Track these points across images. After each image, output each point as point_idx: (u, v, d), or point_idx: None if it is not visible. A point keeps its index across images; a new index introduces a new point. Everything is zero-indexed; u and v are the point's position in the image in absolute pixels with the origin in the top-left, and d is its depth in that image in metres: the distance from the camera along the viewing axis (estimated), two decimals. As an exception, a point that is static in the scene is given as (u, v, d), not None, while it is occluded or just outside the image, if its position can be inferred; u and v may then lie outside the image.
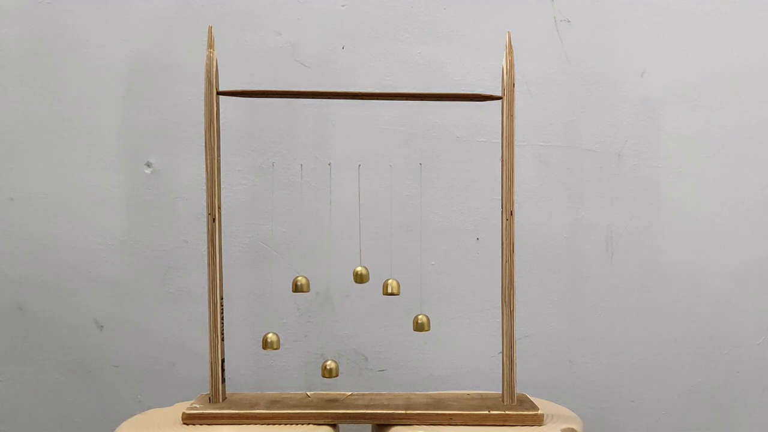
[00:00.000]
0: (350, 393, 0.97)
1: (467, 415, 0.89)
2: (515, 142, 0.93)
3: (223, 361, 0.93)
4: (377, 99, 1.04)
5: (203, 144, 0.92)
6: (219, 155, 0.93)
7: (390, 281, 0.95)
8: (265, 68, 1.18)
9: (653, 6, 1.20)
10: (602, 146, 1.21)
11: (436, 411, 0.89)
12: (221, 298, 0.93)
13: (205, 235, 0.94)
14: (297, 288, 0.95)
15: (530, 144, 1.20)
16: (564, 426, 0.88)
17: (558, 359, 1.22)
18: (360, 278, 0.94)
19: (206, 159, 0.92)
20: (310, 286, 0.96)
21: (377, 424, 0.91)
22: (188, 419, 0.89)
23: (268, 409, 0.90)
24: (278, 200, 1.15)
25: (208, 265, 0.92)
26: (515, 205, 0.93)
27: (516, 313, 0.94)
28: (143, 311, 1.18)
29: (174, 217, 1.18)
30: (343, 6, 1.18)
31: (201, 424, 0.88)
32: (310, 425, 0.88)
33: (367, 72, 1.18)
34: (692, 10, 1.20)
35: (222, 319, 0.93)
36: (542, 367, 1.21)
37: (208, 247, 0.92)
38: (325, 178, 1.14)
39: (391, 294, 0.94)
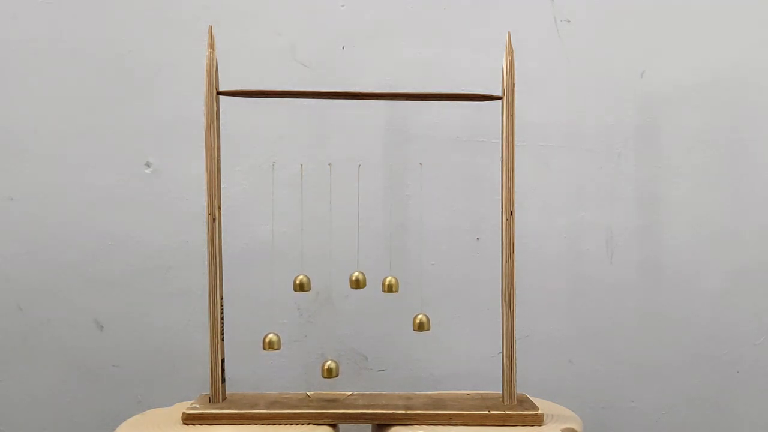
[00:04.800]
0: (350, 393, 0.97)
1: (467, 415, 0.89)
2: (515, 142, 0.93)
3: (223, 361, 0.93)
4: (377, 99, 1.04)
5: (203, 144, 0.92)
6: (219, 155, 0.93)
7: (388, 278, 0.95)
8: (265, 68, 1.18)
9: (653, 6, 1.20)
10: (602, 146, 1.21)
11: (436, 411, 0.89)
12: (221, 298, 0.93)
13: (205, 235, 0.94)
14: (298, 287, 0.95)
15: (530, 144, 1.20)
16: (564, 426, 0.88)
17: (558, 359, 1.22)
18: (356, 284, 0.94)
19: (206, 159, 0.92)
20: (311, 286, 0.96)
21: (377, 424, 0.91)
22: (188, 419, 0.89)
23: (268, 409, 0.90)
24: (278, 200, 1.15)
25: (208, 265, 0.92)
26: (515, 205, 0.93)
27: (516, 313, 0.94)
28: (143, 311, 1.18)
29: (174, 217, 1.18)
30: (343, 6, 1.18)
31: (201, 424, 0.88)
32: (310, 425, 0.88)
33: (367, 72, 1.18)
34: (692, 10, 1.20)
35: (222, 319, 0.93)
36: (542, 367, 1.21)
37: (208, 247, 0.92)
38: (325, 178, 1.14)
39: (390, 291, 0.94)
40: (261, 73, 1.17)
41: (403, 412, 0.89)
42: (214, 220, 0.92)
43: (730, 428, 1.23)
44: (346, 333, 1.20)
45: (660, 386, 1.23)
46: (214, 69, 0.91)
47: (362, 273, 0.94)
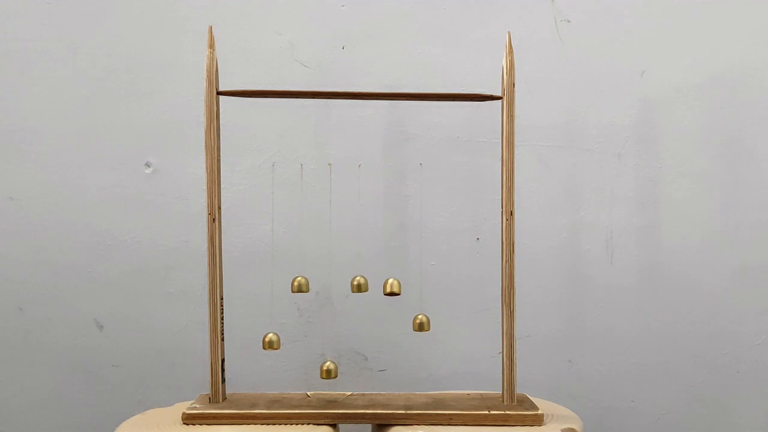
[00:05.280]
0: (350, 393, 0.97)
1: (467, 415, 0.89)
2: (515, 142, 0.93)
3: (223, 361, 0.93)
4: (377, 99, 1.04)
5: (203, 144, 0.92)
6: (219, 155, 0.93)
7: (391, 280, 0.95)
8: (265, 68, 1.18)
9: (653, 5, 1.20)
10: (602, 146, 1.21)
11: (436, 411, 0.89)
12: (221, 298, 0.93)
13: (205, 235, 0.94)
14: (297, 288, 0.95)
15: (530, 144, 1.20)
16: (564, 426, 0.88)
17: (558, 359, 1.22)
18: (359, 288, 0.94)
19: (206, 159, 0.92)
20: (310, 286, 0.96)
21: (377, 424, 0.91)
22: (188, 419, 0.89)
23: (268, 409, 0.90)
24: (278, 200, 1.15)
25: (208, 265, 0.92)
26: (515, 205, 0.93)
27: (516, 313, 0.94)
28: (143, 311, 1.18)
29: (174, 217, 1.18)
30: (343, 6, 1.18)
31: (201, 424, 0.88)
32: (310, 425, 0.88)
33: (367, 72, 1.18)
34: (692, 9, 1.20)
35: (222, 319, 0.93)
36: (542, 367, 1.21)
37: (208, 247, 0.92)
38: (325, 178, 1.14)
39: (392, 293, 0.94)
40: (261, 73, 1.17)
41: (403, 412, 0.89)
42: (214, 220, 0.92)
43: (730, 428, 1.23)
44: (346, 333, 1.20)
45: (660, 386, 1.23)
46: (214, 69, 0.91)
47: (364, 277, 0.94)
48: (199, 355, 1.16)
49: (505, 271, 0.93)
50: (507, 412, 0.89)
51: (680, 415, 1.23)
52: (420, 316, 0.96)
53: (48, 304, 1.18)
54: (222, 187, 0.95)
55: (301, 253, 1.15)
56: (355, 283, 0.94)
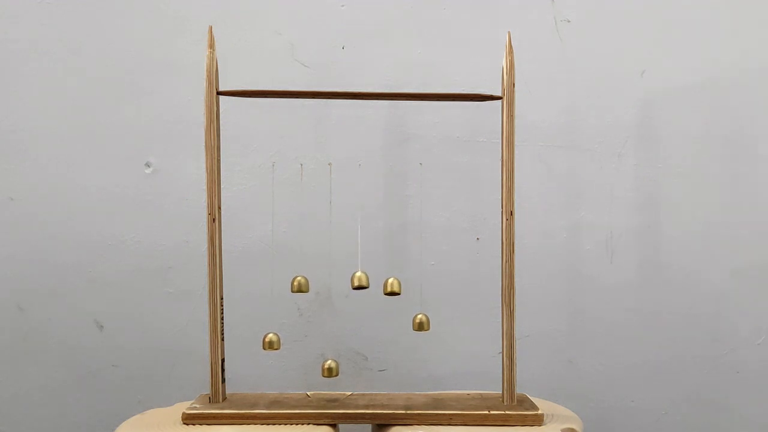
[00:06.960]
0: (350, 393, 0.97)
1: (467, 415, 0.89)
2: (515, 142, 0.93)
3: (223, 361, 0.93)
4: (377, 99, 1.04)
5: (203, 144, 0.92)
6: (219, 155, 0.93)
7: (391, 280, 0.95)
8: (265, 68, 1.18)
9: (653, 6, 1.20)
10: (602, 146, 1.21)
11: (436, 411, 0.89)
12: (221, 298, 0.93)
13: (205, 235, 0.94)
14: (297, 288, 0.95)
15: (530, 144, 1.20)
16: (564, 426, 0.88)
17: (558, 359, 1.22)
18: (359, 283, 0.94)
19: (206, 159, 0.92)
20: (310, 286, 0.96)
21: (377, 424, 0.91)
22: (188, 419, 0.89)
23: (268, 409, 0.90)
24: (278, 200, 1.15)
25: (208, 265, 0.92)
26: (515, 205, 0.93)
27: (516, 313, 0.94)
28: (143, 311, 1.18)
29: (174, 217, 1.18)
30: (343, 6, 1.18)
31: (201, 424, 0.88)
32: (310, 425, 0.88)
33: (367, 72, 1.18)
34: (692, 9, 1.20)
35: (222, 319, 0.93)
36: (542, 367, 1.21)
37: (208, 247, 0.92)
38: (325, 178, 1.14)
39: (392, 293, 0.94)
40: (261, 73, 1.17)
41: (403, 412, 0.89)
42: (214, 220, 0.92)
43: (730, 428, 1.23)
44: (346, 333, 1.20)
45: (660, 386, 1.23)
46: (214, 69, 0.91)
47: (365, 273, 0.94)
48: (199, 355, 1.16)
49: (505, 271, 0.93)
50: (507, 412, 0.89)
51: (680, 415, 1.23)
52: (420, 316, 0.96)
53: (48, 304, 1.18)
54: (222, 187, 0.95)
55: (301, 253, 1.15)
56: (356, 281, 0.93)
